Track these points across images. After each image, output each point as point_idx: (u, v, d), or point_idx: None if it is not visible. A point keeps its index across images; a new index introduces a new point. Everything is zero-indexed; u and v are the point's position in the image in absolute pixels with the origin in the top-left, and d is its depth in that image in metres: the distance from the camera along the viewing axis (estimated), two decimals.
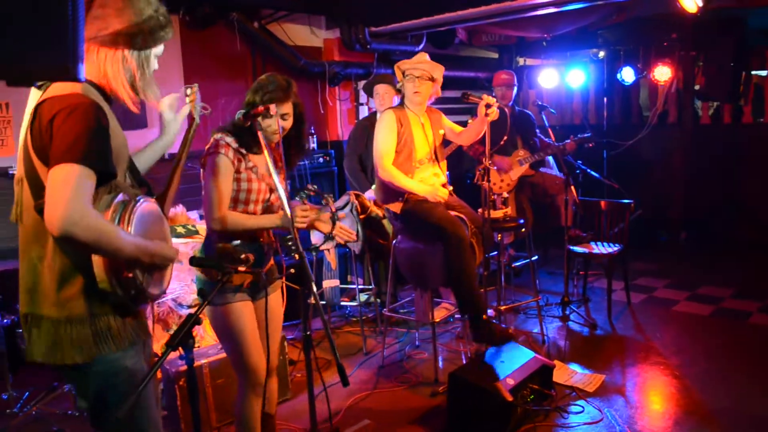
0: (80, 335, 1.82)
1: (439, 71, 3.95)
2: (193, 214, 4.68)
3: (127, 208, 1.81)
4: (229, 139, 2.58)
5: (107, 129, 1.77)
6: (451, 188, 4.11)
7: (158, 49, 1.95)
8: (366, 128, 5.27)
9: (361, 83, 6.54)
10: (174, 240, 2.10)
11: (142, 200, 1.88)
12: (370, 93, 5.31)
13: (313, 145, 6.21)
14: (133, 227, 1.79)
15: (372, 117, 5.38)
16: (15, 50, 0.92)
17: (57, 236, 1.65)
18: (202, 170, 2.63)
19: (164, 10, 1.91)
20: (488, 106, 3.78)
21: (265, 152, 2.40)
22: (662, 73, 7.01)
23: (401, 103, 4.06)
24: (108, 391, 1.88)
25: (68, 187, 1.64)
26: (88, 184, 1.69)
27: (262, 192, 2.66)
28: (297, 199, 2.88)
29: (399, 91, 4.10)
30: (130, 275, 1.80)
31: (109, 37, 1.81)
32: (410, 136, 3.91)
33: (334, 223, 2.77)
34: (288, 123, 2.67)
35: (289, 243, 2.49)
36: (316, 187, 3.31)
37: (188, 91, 2.49)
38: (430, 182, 3.97)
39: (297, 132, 2.74)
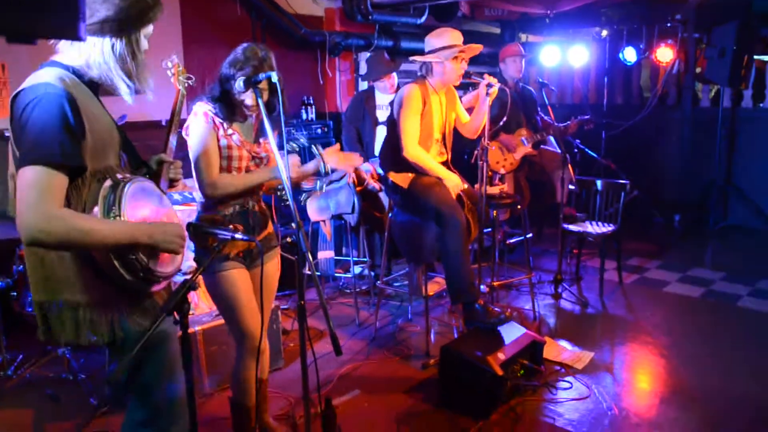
0: (98, 318, 1.85)
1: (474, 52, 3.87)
2: (190, 182, 4.66)
3: (115, 193, 1.78)
4: (208, 107, 2.60)
5: (76, 119, 1.71)
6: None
7: (147, 30, 1.89)
8: (362, 101, 5.27)
9: (362, 54, 6.49)
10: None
11: (131, 182, 1.84)
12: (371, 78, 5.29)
13: (312, 115, 6.19)
14: (125, 210, 1.77)
15: (369, 90, 5.34)
16: (15, 6, 0.90)
17: (26, 244, 1.64)
18: (187, 139, 2.64)
19: None
20: (489, 85, 3.78)
21: (264, 114, 2.39)
22: (664, 54, 6.94)
23: (423, 78, 3.90)
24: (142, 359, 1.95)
25: (31, 192, 1.61)
26: (53, 183, 1.65)
27: (243, 159, 2.68)
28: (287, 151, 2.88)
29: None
30: (133, 257, 1.79)
31: (96, 25, 1.75)
32: (430, 116, 3.84)
33: (324, 167, 2.78)
34: (265, 96, 2.64)
35: (280, 191, 2.56)
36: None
37: (170, 64, 2.48)
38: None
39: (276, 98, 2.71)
